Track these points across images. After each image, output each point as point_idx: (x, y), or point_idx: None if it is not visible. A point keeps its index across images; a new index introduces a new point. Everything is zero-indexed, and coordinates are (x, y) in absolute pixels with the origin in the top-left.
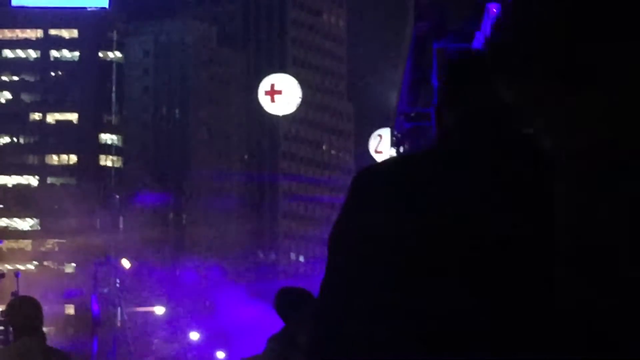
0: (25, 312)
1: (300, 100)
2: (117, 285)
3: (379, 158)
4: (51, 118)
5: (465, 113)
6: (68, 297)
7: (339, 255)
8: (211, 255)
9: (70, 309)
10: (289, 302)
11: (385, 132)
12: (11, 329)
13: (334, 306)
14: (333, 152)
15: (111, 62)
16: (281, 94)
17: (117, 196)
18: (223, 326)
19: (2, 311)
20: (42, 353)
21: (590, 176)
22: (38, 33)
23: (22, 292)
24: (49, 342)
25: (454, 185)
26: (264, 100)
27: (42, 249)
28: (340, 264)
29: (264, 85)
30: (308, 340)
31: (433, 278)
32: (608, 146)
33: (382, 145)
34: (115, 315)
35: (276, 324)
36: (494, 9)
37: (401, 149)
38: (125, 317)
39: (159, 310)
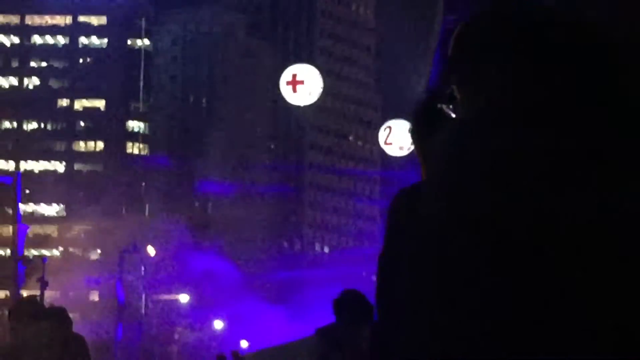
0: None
1: (321, 90)
2: (142, 272)
3: (388, 149)
4: (79, 105)
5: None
6: (88, 284)
7: (398, 276)
8: (236, 244)
9: (94, 296)
10: (347, 302)
11: (395, 124)
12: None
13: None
14: (360, 143)
15: (139, 49)
16: (303, 84)
17: (143, 183)
18: (247, 315)
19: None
20: (62, 338)
21: None
22: (67, 19)
23: (47, 278)
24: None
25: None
26: (285, 90)
27: (68, 235)
28: (402, 286)
29: (286, 75)
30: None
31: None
32: None
33: (391, 137)
34: (139, 302)
35: (297, 315)
36: None
37: None
38: (150, 304)
39: (184, 298)
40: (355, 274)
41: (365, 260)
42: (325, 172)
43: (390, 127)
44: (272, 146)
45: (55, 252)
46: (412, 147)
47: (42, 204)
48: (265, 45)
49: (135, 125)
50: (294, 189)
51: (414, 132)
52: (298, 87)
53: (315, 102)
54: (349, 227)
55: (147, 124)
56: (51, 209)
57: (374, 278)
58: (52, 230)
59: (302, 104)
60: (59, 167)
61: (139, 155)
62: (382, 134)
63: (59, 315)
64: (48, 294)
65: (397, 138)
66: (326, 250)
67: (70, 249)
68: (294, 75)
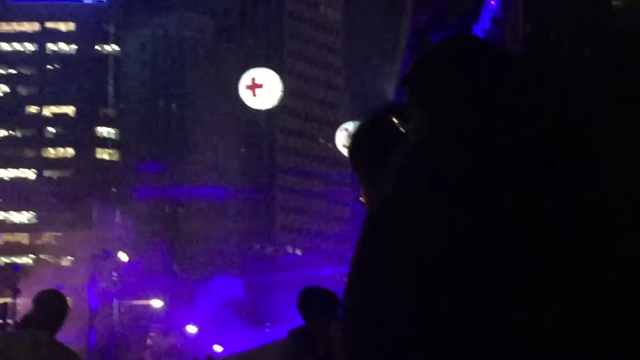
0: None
1: (281, 93)
2: (114, 278)
3: (345, 151)
4: (48, 111)
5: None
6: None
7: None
8: (208, 248)
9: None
10: (312, 302)
11: (352, 125)
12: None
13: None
14: (330, 145)
15: (108, 55)
16: (262, 88)
17: (114, 189)
18: (220, 319)
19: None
20: (49, 346)
21: None
22: (35, 26)
23: (19, 286)
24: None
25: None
26: (245, 94)
27: (39, 242)
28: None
29: (245, 79)
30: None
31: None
32: None
33: (348, 139)
34: (112, 308)
35: (270, 318)
36: (492, 1)
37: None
38: (122, 310)
39: (156, 303)
40: (327, 276)
41: (338, 261)
42: (296, 174)
43: (347, 129)
44: (243, 150)
45: (27, 260)
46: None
47: (13, 212)
48: (234, 49)
49: (105, 131)
50: (265, 192)
51: (362, 143)
52: (257, 90)
53: (285, 105)
54: (321, 229)
55: (117, 129)
56: (22, 217)
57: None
58: (23, 237)
59: (262, 108)
60: (29, 174)
61: (109, 161)
62: (339, 136)
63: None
64: (20, 301)
65: None
66: (298, 252)
67: (42, 256)
68: (253, 79)
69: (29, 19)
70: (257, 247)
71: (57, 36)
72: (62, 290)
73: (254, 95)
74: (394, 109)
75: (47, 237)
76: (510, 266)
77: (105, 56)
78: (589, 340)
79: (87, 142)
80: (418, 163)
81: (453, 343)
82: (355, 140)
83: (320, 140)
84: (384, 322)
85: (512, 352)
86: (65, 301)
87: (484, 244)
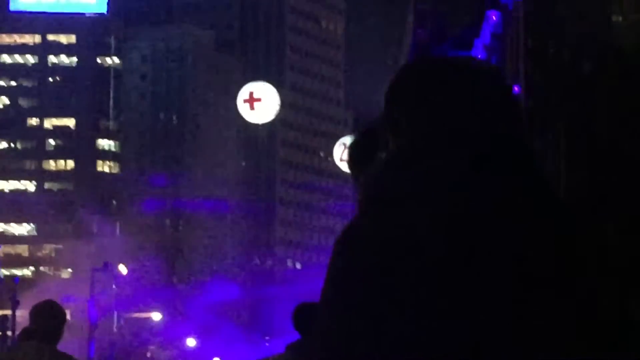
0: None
1: (279, 107)
2: (114, 291)
3: (344, 166)
4: (49, 123)
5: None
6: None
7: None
8: (208, 261)
9: (66, 314)
10: (307, 317)
11: (349, 140)
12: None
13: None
14: (330, 159)
15: (109, 67)
16: (260, 102)
17: (114, 202)
18: (219, 332)
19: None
20: (53, 357)
21: None
22: (36, 38)
23: (19, 298)
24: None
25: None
26: (243, 108)
27: (39, 254)
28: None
29: (243, 93)
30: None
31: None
32: None
33: (346, 154)
34: (111, 321)
35: (272, 331)
36: (493, 16)
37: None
38: (122, 322)
39: (156, 316)
40: None
41: None
42: (296, 188)
43: (344, 144)
44: (243, 163)
45: (27, 272)
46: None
47: (13, 224)
48: (234, 62)
49: (105, 143)
50: (265, 205)
51: (358, 156)
52: (255, 104)
53: (286, 118)
54: (321, 243)
55: (117, 142)
56: (22, 229)
57: None
58: (23, 249)
59: (260, 122)
60: (30, 186)
61: (109, 174)
62: (337, 151)
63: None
64: (20, 313)
65: None
66: (298, 266)
67: (42, 268)
68: (251, 93)
69: (30, 31)
70: (257, 260)
71: (58, 48)
72: (65, 301)
73: (252, 109)
74: (377, 128)
75: (47, 249)
76: (511, 266)
77: (106, 68)
78: (589, 341)
79: (87, 155)
80: (410, 164)
81: (453, 343)
82: (352, 153)
83: (321, 153)
84: (383, 322)
85: (513, 352)
86: (62, 311)
87: (484, 244)
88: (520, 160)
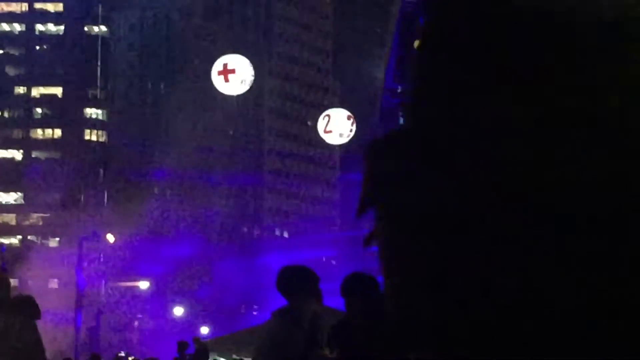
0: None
1: (253, 79)
2: (102, 259)
3: (328, 138)
4: (36, 92)
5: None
6: (48, 272)
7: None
8: (195, 230)
9: (54, 284)
10: (291, 281)
11: (334, 112)
12: None
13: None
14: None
15: (96, 36)
16: (234, 74)
17: (102, 171)
18: (208, 301)
19: None
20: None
21: None
22: (23, 6)
23: (6, 267)
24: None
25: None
26: (217, 80)
27: (26, 223)
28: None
29: (217, 65)
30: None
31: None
32: None
33: (331, 125)
34: (99, 289)
35: (260, 300)
36: None
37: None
38: (110, 291)
39: (143, 284)
40: (315, 259)
41: (325, 244)
42: (284, 157)
43: (329, 115)
44: (231, 132)
45: (14, 240)
46: (351, 134)
47: (0, 192)
48: (223, 31)
49: (93, 112)
50: (252, 174)
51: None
52: (230, 76)
53: (273, 87)
54: (309, 212)
55: (105, 110)
56: (9, 197)
57: (334, 262)
58: (10, 218)
59: (234, 93)
60: (17, 155)
61: (97, 142)
62: (321, 123)
63: (25, 304)
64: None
65: (336, 126)
66: (286, 235)
67: (29, 237)
68: (225, 65)
69: None
70: (245, 229)
71: (45, 17)
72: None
73: (227, 80)
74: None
75: (35, 218)
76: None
77: (93, 37)
78: (593, 341)
79: (75, 123)
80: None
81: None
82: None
83: (309, 122)
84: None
85: (514, 352)
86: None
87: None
88: None
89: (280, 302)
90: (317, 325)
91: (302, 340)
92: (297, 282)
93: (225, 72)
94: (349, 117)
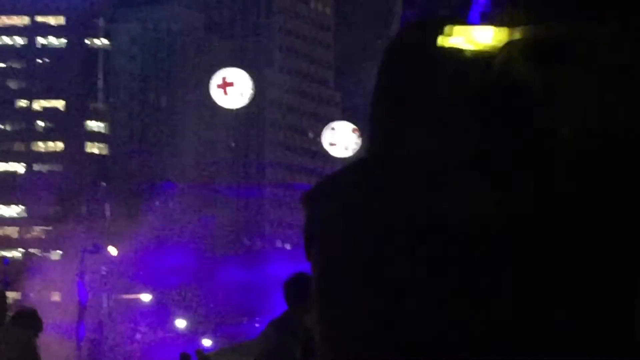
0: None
1: (252, 92)
2: (104, 272)
3: (333, 150)
4: (38, 105)
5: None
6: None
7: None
8: (198, 242)
9: (56, 296)
10: (295, 288)
11: (339, 125)
12: None
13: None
14: (319, 139)
15: (98, 49)
16: (233, 87)
17: (104, 183)
18: (210, 313)
19: None
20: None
21: None
22: (24, 20)
23: (8, 279)
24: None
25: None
26: (216, 93)
27: (29, 236)
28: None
29: (216, 79)
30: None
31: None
32: None
33: (336, 138)
34: (101, 302)
35: (262, 311)
36: None
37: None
38: (112, 304)
39: (145, 297)
40: None
41: None
42: (286, 168)
43: (334, 128)
44: (233, 144)
45: (16, 253)
46: (357, 148)
47: (2, 205)
48: (224, 44)
49: (94, 125)
50: (254, 186)
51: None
52: (228, 89)
53: (275, 99)
54: None
55: (106, 123)
56: (11, 210)
57: None
58: (12, 231)
59: (234, 107)
60: (19, 168)
61: (99, 155)
62: (325, 135)
63: (28, 317)
64: (9, 294)
65: (341, 139)
66: (288, 247)
67: (31, 250)
68: (224, 78)
69: (19, 12)
70: (247, 241)
71: (47, 30)
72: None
73: (225, 93)
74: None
75: (37, 231)
76: (522, 259)
77: (95, 50)
78: (593, 342)
79: (76, 136)
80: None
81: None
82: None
83: (310, 134)
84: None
85: (513, 352)
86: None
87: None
88: None
89: (282, 311)
90: (312, 335)
91: (298, 350)
92: (293, 290)
93: (224, 85)
94: (354, 130)
